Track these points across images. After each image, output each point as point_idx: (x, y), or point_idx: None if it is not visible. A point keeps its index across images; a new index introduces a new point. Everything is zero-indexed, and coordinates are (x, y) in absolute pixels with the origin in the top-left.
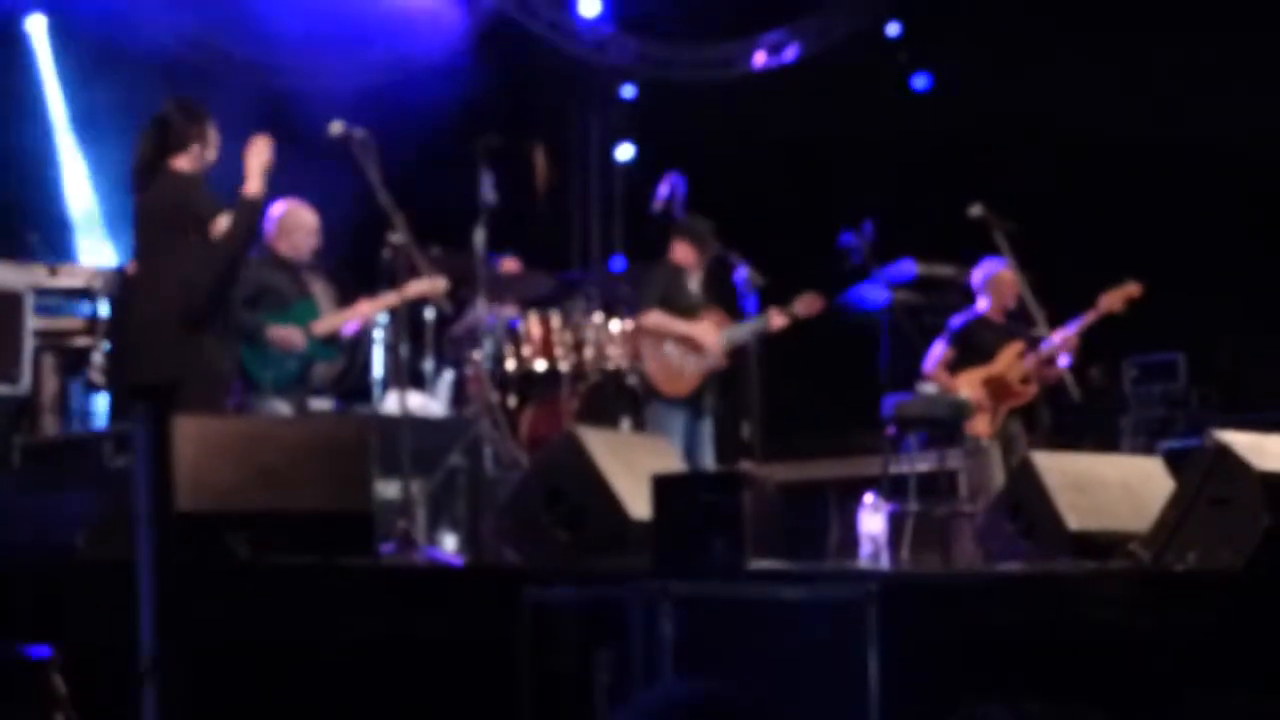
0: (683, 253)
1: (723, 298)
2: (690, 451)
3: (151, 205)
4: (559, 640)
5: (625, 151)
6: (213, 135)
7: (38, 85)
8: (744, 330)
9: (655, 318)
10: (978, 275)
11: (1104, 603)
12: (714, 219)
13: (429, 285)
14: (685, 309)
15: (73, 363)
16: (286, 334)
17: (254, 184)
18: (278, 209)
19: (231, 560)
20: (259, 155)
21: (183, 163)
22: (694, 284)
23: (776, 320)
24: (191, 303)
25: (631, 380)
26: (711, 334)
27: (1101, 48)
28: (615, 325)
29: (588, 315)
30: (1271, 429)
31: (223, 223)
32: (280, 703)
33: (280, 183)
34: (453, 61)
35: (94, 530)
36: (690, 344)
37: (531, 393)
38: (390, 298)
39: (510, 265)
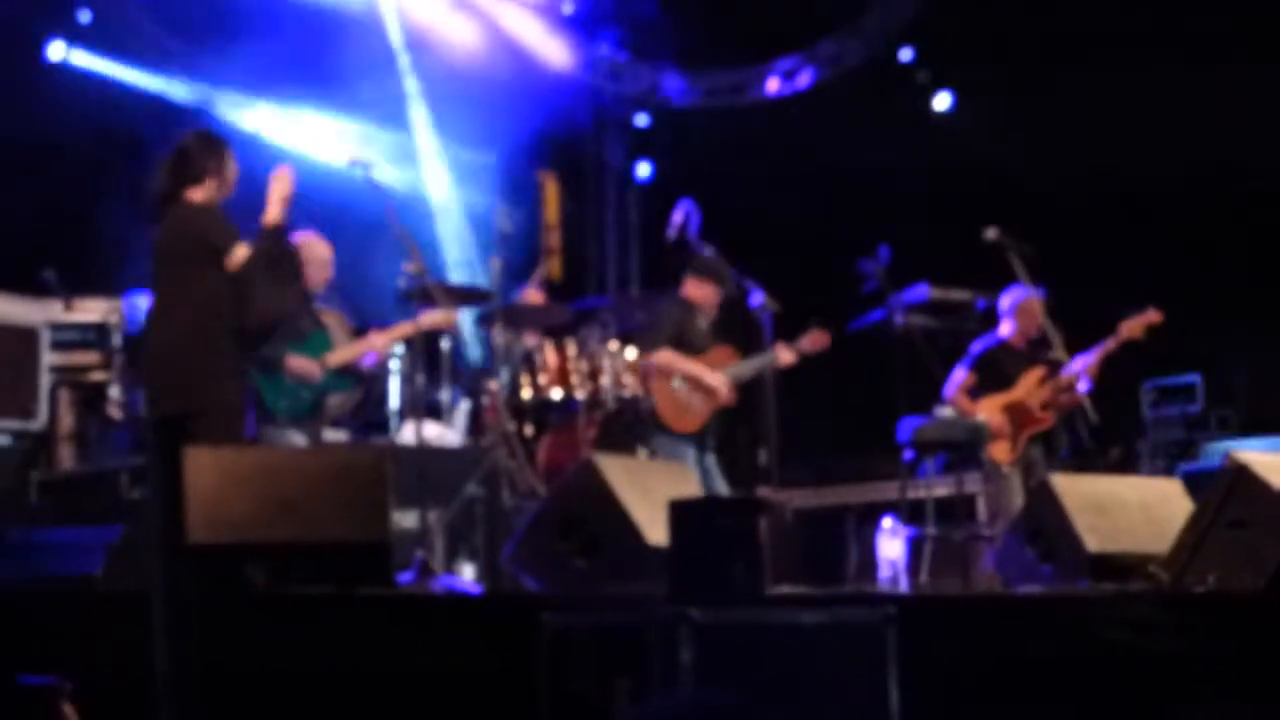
0: (698, 290)
1: (738, 324)
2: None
3: (166, 237)
4: (578, 668)
5: (644, 170)
6: (231, 168)
7: (61, 119)
8: (750, 366)
9: (665, 356)
10: (1004, 301)
11: (1124, 625)
12: (728, 245)
13: (443, 317)
14: (695, 347)
15: (90, 397)
16: (305, 365)
17: (273, 212)
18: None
19: (249, 591)
20: (280, 185)
21: (198, 194)
22: (704, 321)
23: (784, 356)
24: (209, 334)
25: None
26: (719, 373)
27: (1116, 74)
28: (631, 353)
29: (603, 343)
30: None
31: (240, 252)
32: None
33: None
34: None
35: (111, 562)
36: (698, 382)
37: (548, 421)
38: (404, 329)
39: (534, 295)
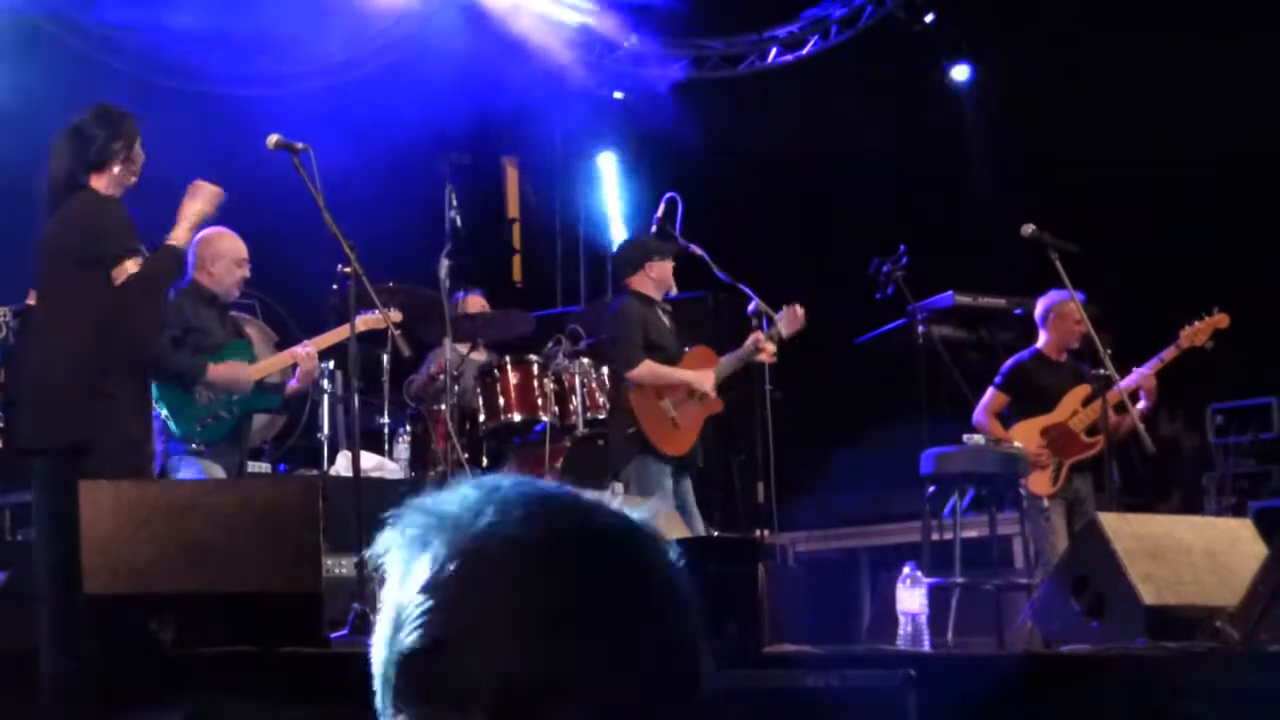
0: (646, 280)
1: (736, 334)
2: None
3: (58, 232)
4: None
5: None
6: (138, 154)
7: None
8: (730, 363)
9: (648, 369)
10: (1038, 307)
11: (1186, 691)
12: (719, 245)
13: (378, 318)
14: (669, 350)
15: None
16: (233, 370)
17: (181, 232)
18: (198, 235)
19: (155, 651)
20: (200, 203)
21: (100, 183)
22: (668, 318)
23: (766, 348)
24: (104, 349)
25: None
26: (707, 377)
27: (1173, 40)
28: (606, 371)
29: (573, 358)
30: None
31: (129, 267)
32: None
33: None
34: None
35: None
36: (687, 391)
37: (507, 450)
38: (337, 333)
39: (475, 303)
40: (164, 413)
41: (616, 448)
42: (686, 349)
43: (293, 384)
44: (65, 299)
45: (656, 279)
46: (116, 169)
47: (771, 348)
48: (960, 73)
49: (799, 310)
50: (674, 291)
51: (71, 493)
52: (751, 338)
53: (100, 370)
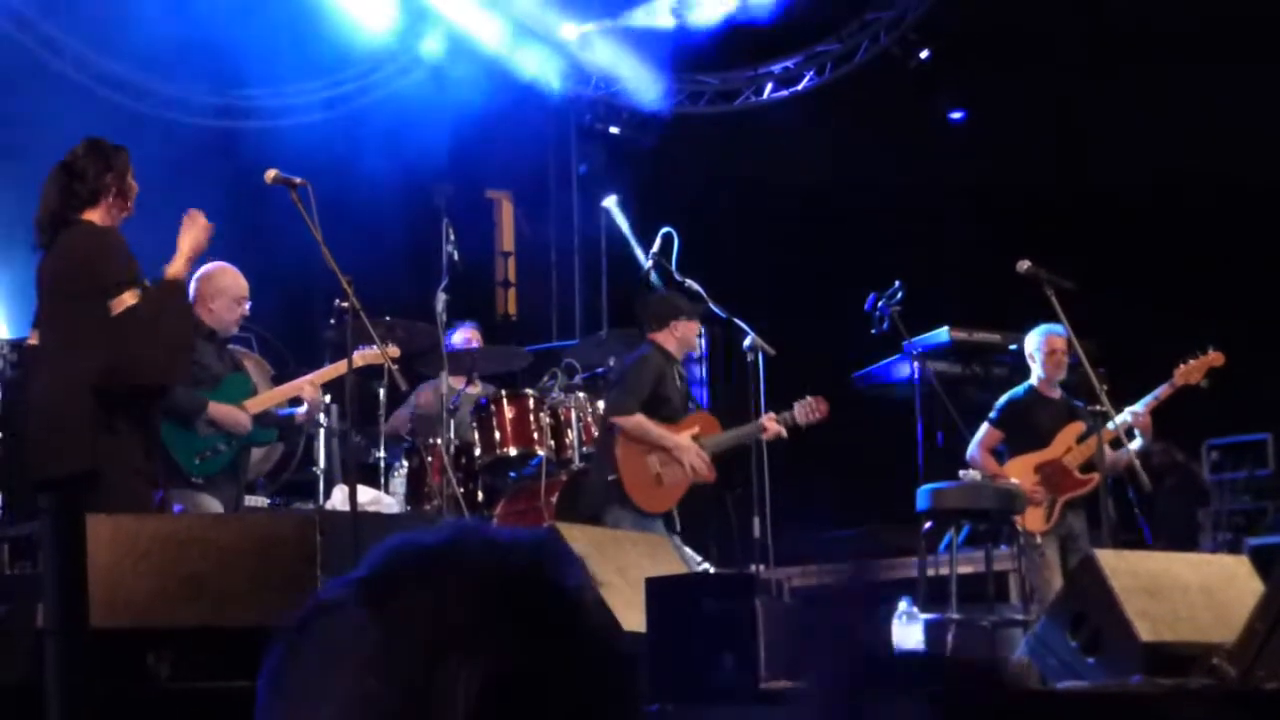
0: (672, 336)
1: (731, 368)
2: None
3: (57, 265)
4: None
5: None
6: (131, 186)
7: None
8: (730, 439)
9: (637, 422)
10: (1029, 343)
11: None
12: (715, 279)
13: (375, 353)
14: (674, 408)
15: None
16: (232, 412)
17: (179, 264)
18: (199, 270)
19: (152, 685)
20: (194, 234)
21: (96, 216)
22: (681, 381)
23: (771, 428)
24: (105, 381)
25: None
26: (698, 445)
27: (1167, 74)
28: (602, 404)
29: (569, 392)
30: None
31: (126, 300)
32: None
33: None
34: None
35: None
36: (673, 455)
37: (503, 484)
38: (335, 368)
39: (465, 337)
40: (167, 445)
41: (594, 490)
42: (691, 411)
43: (301, 413)
44: (64, 332)
45: (680, 338)
46: (110, 203)
47: (777, 429)
48: (955, 109)
49: (824, 405)
50: (696, 353)
51: (80, 527)
52: (765, 418)
53: (102, 403)
